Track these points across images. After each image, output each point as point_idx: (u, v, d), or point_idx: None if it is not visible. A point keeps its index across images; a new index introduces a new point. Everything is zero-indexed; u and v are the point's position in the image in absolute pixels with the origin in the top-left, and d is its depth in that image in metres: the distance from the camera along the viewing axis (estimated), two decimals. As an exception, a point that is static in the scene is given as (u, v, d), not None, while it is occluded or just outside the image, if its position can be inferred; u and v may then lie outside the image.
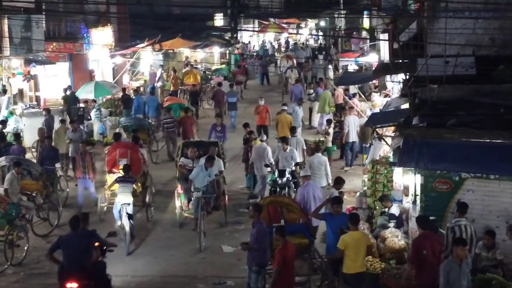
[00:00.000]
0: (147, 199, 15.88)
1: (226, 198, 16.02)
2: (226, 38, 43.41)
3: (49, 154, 17.00)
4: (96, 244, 10.77)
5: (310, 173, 14.50)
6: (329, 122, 21.18)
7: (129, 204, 14.18)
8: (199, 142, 17.88)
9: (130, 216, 14.04)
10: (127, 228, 13.83)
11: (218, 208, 15.43)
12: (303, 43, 56.59)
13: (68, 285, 10.23)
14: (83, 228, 10.80)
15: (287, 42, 59.20)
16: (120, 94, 26.71)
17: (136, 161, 16.02)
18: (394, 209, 13.34)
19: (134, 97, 25.72)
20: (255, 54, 45.65)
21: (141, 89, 29.35)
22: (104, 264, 10.96)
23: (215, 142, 17.41)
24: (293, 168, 16.96)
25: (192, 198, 15.01)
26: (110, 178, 15.97)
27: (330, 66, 36.84)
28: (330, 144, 20.48)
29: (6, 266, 12.84)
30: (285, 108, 22.43)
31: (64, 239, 10.73)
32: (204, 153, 16.34)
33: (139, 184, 15.85)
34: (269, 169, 16.94)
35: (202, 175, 14.86)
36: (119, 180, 14.69)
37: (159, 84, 31.99)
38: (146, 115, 24.72)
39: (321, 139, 21.85)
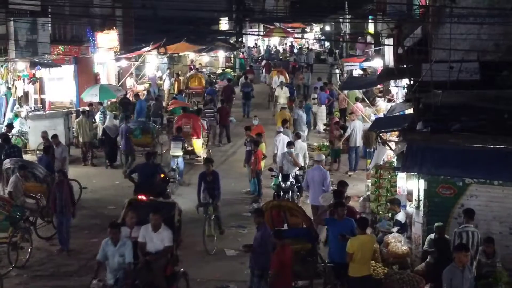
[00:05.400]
0: (205, 155, 20.00)
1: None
2: (231, 42, 43.55)
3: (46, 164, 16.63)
4: (162, 175, 15.88)
5: (323, 158, 16.12)
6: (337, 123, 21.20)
7: (178, 156, 18.84)
8: (151, 203, 12.52)
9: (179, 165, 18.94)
10: (177, 171, 18.72)
11: None
12: (307, 47, 56.73)
13: (140, 197, 13.96)
14: (152, 161, 16.00)
15: (291, 47, 59.31)
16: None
17: (197, 127, 21.01)
18: (401, 216, 13.25)
19: (136, 101, 25.78)
20: (260, 58, 45.72)
21: (145, 92, 29.47)
22: (165, 186, 15.94)
23: (169, 205, 12.25)
24: (297, 172, 17.00)
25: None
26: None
27: (337, 71, 36.91)
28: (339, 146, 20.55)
29: (11, 268, 12.86)
30: (285, 106, 25.47)
31: (140, 166, 16.21)
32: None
33: (201, 143, 20.85)
34: (273, 172, 16.92)
35: (112, 254, 10.45)
36: (172, 139, 19.58)
37: (166, 87, 32.19)
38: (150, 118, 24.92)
39: (325, 143, 21.87)
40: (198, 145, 20.85)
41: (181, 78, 33.13)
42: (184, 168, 19.42)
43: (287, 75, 34.76)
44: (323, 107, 26.56)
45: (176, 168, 18.77)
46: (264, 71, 40.11)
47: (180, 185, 18.65)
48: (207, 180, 14.99)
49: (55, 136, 18.69)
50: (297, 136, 18.77)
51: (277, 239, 10.52)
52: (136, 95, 26.87)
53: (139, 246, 10.83)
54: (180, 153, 18.99)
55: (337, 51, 48.30)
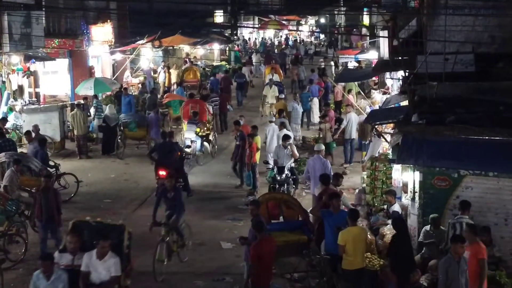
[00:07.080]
0: (212, 138, 21.85)
1: None
2: (226, 35, 43.49)
3: (41, 158, 16.58)
4: (179, 153, 17.47)
5: (323, 148, 16.07)
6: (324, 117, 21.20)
7: (191, 138, 20.52)
8: (98, 226, 10.72)
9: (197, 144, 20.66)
10: (192, 150, 20.47)
11: None
12: (302, 40, 56.70)
13: (160, 172, 16.43)
14: (169, 140, 17.67)
15: (286, 39, 59.28)
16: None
17: (203, 112, 22.03)
18: (397, 207, 13.28)
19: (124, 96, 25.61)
20: (254, 50, 45.67)
21: (139, 86, 29.39)
22: (182, 162, 17.65)
23: (117, 228, 10.60)
24: (293, 164, 17.01)
25: None
26: (184, 124, 21.92)
27: (332, 63, 36.91)
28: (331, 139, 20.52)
29: (12, 263, 12.81)
30: (282, 96, 25.56)
31: (158, 145, 18.13)
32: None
33: (206, 127, 21.61)
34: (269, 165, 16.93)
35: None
36: (188, 122, 21.25)
37: (161, 79, 32.21)
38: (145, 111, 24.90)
39: (320, 135, 21.86)
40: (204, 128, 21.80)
41: (172, 70, 33.01)
42: (201, 147, 20.91)
43: (281, 71, 33.59)
44: (316, 100, 26.54)
45: (190, 146, 20.43)
46: (264, 63, 39.98)
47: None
48: (168, 197, 12.91)
49: (28, 133, 18.53)
50: (283, 125, 19.00)
51: (257, 232, 10.19)
52: (125, 89, 26.35)
53: (82, 276, 9.65)
54: (194, 135, 20.54)
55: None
